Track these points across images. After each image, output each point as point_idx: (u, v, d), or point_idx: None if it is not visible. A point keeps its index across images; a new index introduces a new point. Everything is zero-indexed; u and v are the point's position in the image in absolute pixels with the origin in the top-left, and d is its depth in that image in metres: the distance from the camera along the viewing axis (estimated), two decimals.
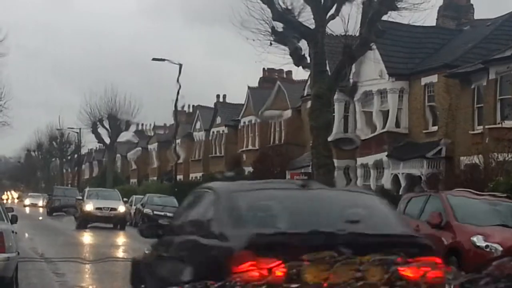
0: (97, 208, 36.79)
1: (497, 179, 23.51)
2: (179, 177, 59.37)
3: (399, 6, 26.46)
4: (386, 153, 35.79)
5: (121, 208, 37.52)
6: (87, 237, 30.38)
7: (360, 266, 5.90)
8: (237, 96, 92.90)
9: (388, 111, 36.56)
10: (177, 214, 9.28)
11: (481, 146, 28.91)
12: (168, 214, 32.66)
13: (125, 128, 69.43)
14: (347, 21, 26.81)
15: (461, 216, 14.50)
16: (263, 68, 57.31)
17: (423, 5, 26.78)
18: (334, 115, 36.45)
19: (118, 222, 36.93)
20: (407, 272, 5.96)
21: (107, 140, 69.79)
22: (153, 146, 78.74)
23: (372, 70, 36.48)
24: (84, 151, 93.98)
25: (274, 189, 7.84)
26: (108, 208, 36.80)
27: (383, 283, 5.85)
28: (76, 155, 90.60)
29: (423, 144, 34.63)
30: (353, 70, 36.02)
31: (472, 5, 42.10)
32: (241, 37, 27.20)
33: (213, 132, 63.06)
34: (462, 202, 15.08)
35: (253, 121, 55.54)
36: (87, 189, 42.85)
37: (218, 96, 64.18)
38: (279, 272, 5.84)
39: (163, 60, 45.43)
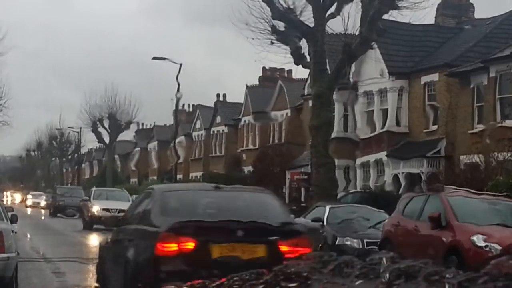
0: (105, 210, 34.60)
1: (497, 179, 23.51)
2: (179, 176, 59.35)
3: (399, 5, 26.49)
4: (386, 153, 35.77)
5: None
6: (92, 238, 29.78)
7: (250, 244, 8.84)
8: (237, 95, 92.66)
9: (387, 110, 36.53)
10: (130, 208, 12.13)
11: (481, 145, 28.89)
12: None
13: (125, 128, 69.42)
14: (347, 20, 26.84)
15: (461, 215, 14.50)
16: (263, 67, 57.31)
17: (423, 4, 26.84)
18: (334, 114, 36.41)
19: None
20: (284, 248, 8.89)
21: (107, 140, 69.79)
22: (153, 146, 78.74)
23: (372, 69, 36.44)
24: (84, 150, 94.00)
25: (194, 190, 11.21)
26: (117, 209, 33.28)
27: (267, 256, 8.74)
28: (76, 155, 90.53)
29: (423, 143, 34.60)
30: (353, 69, 36.04)
31: (472, 3, 42.07)
32: (241, 36, 27.23)
33: (213, 131, 63.03)
34: (462, 202, 15.08)
35: (253, 121, 55.52)
36: (94, 189, 40.72)
37: (218, 95, 64.16)
38: (190, 246, 8.76)
39: (163, 59, 45.33)
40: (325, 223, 19.25)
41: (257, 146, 53.91)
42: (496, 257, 8.60)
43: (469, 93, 32.18)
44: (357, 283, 5.66)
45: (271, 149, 49.16)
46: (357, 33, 27.25)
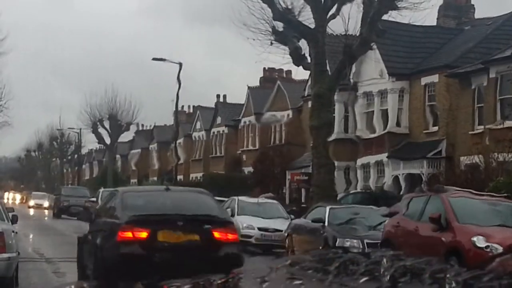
0: None
1: (498, 179, 23.50)
2: (180, 177, 59.32)
3: (399, 5, 26.48)
4: (386, 154, 35.75)
5: None
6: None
7: (188, 231, 11.62)
8: (238, 96, 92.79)
9: (387, 111, 36.51)
10: (101, 205, 15.83)
11: (481, 146, 28.90)
12: None
13: (125, 128, 69.40)
14: (347, 21, 26.82)
15: (461, 216, 14.49)
16: (264, 68, 57.28)
17: (423, 5, 26.83)
18: (334, 115, 36.40)
19: None
20: (217, 234, 11.72)
21: (108, 140, 69.77)
22: (153, 146, 78.73)
23: (372, 70, 36.44)
24: (84, 151, 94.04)
25: (149, 191, 15.13)
26: None
27: (201, 240, 11.63)
28: (76, 155, 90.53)
29: (423, 144, 34.59)
30: (353, 70, 36.04)
31: (472, 4, 42.07)
32: (241, 37, 27.20)
33: (213, 132, 63.02)
34: (463, 203, 15.06)
35: (253, 121, 55.50)
36: (101, 190, 40.14)
37: (218, 96, 64.12)
38: (143, 235, 11.49)
39: (163, 60, 45.35)
40: (326, 223, 19.24)
41: (257, 147, 53.88)
42: (498, 256, 8.59)
43: (470, 94, 32.18)
44: (361, 280, 5.65)
45: (272, 150, 49.14)
46: (357, 34, 27.24)
